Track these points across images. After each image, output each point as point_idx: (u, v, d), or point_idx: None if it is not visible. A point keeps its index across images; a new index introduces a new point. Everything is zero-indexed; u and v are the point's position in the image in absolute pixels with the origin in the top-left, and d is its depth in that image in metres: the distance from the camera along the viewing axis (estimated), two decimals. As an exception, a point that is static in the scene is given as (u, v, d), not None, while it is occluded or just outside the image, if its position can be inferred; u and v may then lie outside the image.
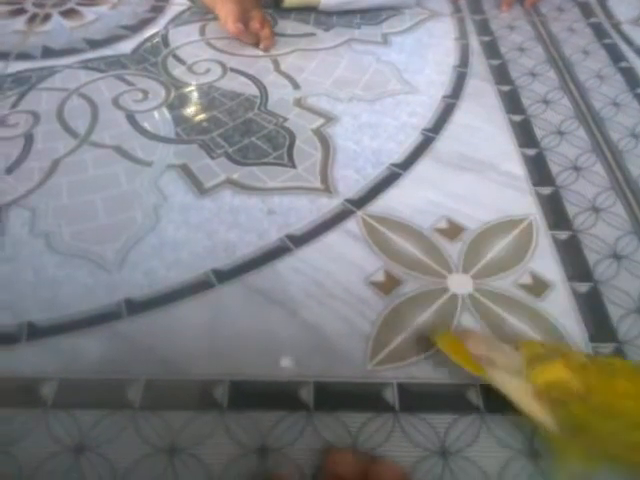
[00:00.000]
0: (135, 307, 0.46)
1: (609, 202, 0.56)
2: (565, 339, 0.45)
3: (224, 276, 0.48)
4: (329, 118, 0.65)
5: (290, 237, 0.52)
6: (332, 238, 0.52)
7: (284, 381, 0.42)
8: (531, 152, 0.61)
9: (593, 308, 0.47)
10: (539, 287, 0.48)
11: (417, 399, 0.41)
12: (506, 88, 0.70)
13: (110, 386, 0.41)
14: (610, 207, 0.55)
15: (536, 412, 0.36)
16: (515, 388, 0.38)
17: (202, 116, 0.64)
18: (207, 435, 0.39)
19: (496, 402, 0.40)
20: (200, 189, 0.56)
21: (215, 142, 0.61)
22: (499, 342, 0.41)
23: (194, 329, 0.45)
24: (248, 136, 0.62)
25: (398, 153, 0.60)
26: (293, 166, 0.59)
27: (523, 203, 0.55)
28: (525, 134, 0.63)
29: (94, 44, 0.75)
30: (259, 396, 0.41)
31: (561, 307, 0.47)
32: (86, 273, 0.48)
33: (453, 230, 0.52)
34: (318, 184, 0.57)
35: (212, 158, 0.59)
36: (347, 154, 0.60)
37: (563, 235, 0.53)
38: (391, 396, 0.41)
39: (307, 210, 0.54)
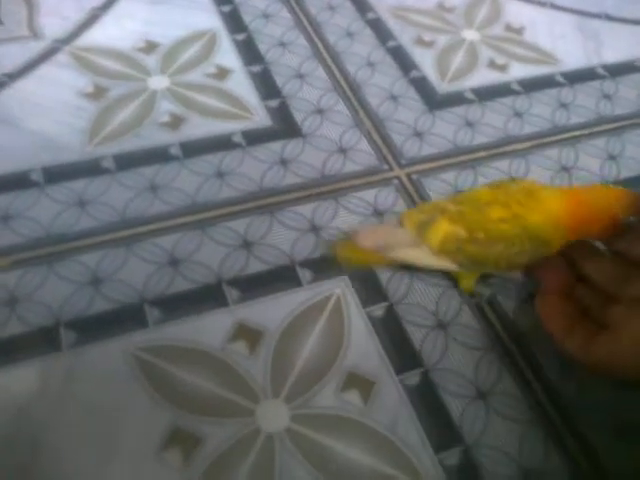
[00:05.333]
0: None
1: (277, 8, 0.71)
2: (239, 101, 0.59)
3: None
4: (30, -20, 0.70)
5: (6, 75, 0.59)
6: (45, 70, 0.60)
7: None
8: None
9: (265, 83, 0.62)
10: (223, 73, 0.62)
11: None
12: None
13: None
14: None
15: (444, 266, 0.42)
16: (418, 256, 0.41)
17: None
18: None
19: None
20: None
21: None
22: (382, 226, 0.44)
23: None
24: (-51, 6, 0.65)
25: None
26: (1, 23, 0.64)
27: (208, 19, 0.68)
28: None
29: None
30: None
31: (241, 85, 0.61)
32: None
33: (150, 47, 0.64)
34: (26, 32, 0.64)
35: None
36: (49, 6, 0.67)
37: (240, 37, 0.66)
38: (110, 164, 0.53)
39: (19, 53, 0.61)
